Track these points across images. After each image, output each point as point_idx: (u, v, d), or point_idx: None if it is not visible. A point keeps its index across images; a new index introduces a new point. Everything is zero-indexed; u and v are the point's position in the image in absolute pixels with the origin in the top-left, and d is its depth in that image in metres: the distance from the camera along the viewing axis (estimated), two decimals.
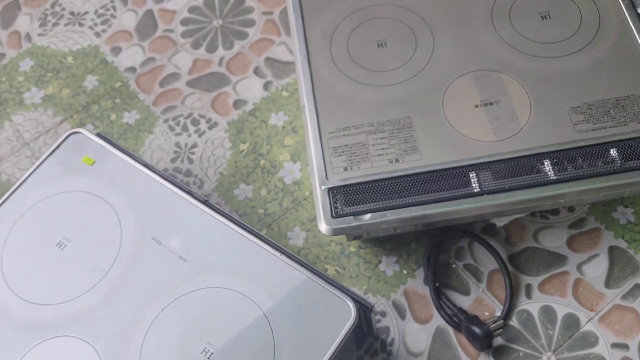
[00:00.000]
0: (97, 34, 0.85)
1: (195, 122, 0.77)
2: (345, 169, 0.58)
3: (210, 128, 0.77)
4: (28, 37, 0.86)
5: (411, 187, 0.57)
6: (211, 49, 0.83)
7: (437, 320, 0.63)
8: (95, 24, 0.86)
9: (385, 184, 0.57)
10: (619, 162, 0.56)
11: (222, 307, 0.53)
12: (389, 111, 0.61)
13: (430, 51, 0.64)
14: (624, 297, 0.63)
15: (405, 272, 0.66)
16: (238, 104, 0.78)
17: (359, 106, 0.61)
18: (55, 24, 0.86)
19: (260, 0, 0.85)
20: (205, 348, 0.51)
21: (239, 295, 0.53)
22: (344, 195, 0.57)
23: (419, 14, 0.66)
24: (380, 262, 0.67)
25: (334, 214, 0.56)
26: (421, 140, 0.59)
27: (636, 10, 0.63)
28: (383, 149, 0.59)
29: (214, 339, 0.51)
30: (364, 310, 0.55)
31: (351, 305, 0.52)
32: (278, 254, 0.55)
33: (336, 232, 0.56)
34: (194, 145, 0.76)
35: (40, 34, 0.86)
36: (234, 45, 0.82)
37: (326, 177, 0.58)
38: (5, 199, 0.60)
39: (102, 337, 0.52)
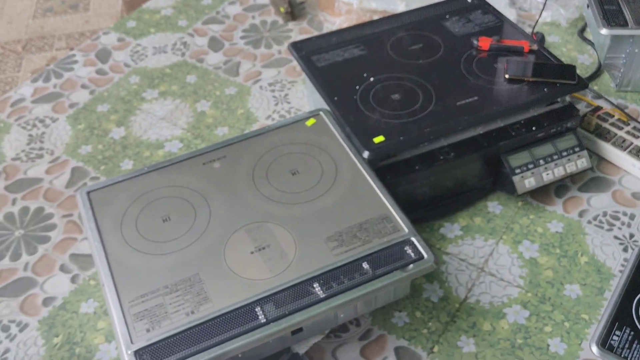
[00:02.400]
0: None
1: (5, 329, 0.80)
2: (148, 330, 0.65)
3: (21, 331, 0.79)
4: None
5: (207, 332, 0.64)
6: (15, 257, 0.87)
7: None
8: None
9: (184, 335, 0.64)
10: (371, 271, 0.69)
11: None
12: (180, 272, 0.70)
13: (208, 217, 0.75)
14: None
15: None
16: (47, 301, 0.82)
17: (153, 274, 0.70)
18: None
19: (59, 206, 0.93)
20: None
21: None
22: (150, 353, 0.63)
23: (194, 190, 0.78)
24: None
25: None
26: (211, 291, 0.68)
27: (362, 156, 0.81)
28: (179, 305, 0.67)
29: None
30: None
31: None
32: None
33: None
34: (7, 351, 0.78)
35: None
36: (37, 250, 0.88)
37: (131, 342, 0.64)
38: None
39: None
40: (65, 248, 0.88)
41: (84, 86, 1.13)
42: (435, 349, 0.76)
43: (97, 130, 1.05)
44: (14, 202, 0.95)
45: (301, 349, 0.75)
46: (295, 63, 1.15)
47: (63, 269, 0.86)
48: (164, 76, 1.14)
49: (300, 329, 0.70)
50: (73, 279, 0.84)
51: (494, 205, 0.91)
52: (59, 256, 0.87)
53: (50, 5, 1.13)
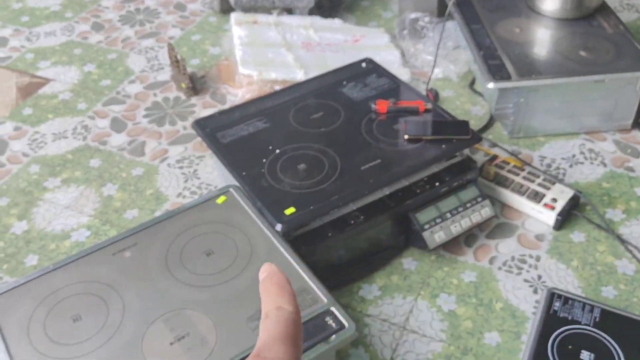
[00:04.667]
0: None
1: None
2: None
3: None
4: None
5: None
6: None
7: None
8: None
9: None
10: None
11: None
12: None
13: (122, 311, 0.73)
14: None
15: None
16: None
17: None
18: None
19: None
20: None
21: None
22: None
23: (105, 283, 0.76)
24: None
25: None
26: None
27: (275, 229, 0.81)
28: None
29: None
30: None
31: None
32: None
33: None
34: None
35: None
36: None
37: None
38: None
39: None
40: None
41: None
42: None
43: None
44: None
45: None
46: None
47: None
48: (65, 162, 1.11)
49: None
50: None
51: (408, 262, 0.93)
52: None
53: None
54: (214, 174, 1.08)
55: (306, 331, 0.70)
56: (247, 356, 0.68)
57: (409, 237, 0.93)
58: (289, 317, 0.38)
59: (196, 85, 1.26)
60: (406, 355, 0.81)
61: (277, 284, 0.40)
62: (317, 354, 0.68)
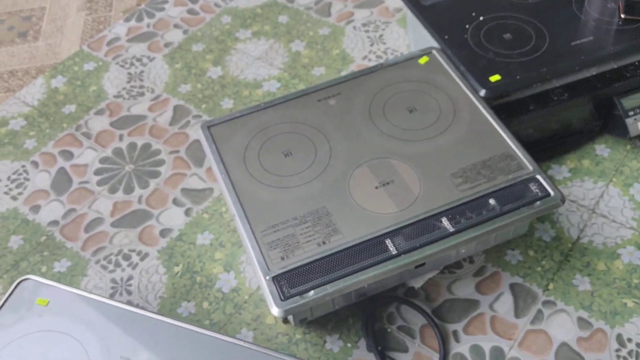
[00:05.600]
0: (14, 198, 0.90)
1: (126, 257, 0.83)
2: (282, 258, 0.67)
3: (142, 259, 0.82)
4: None
5: (341, 262, 0.66)
6: (128, 190, 0.90)
7: None
8: (10, 189, 0.91)
9: (319, 264, 0.66)
10: (498, 208, 0.69)
11: None
12: (307, 205, 0.71)
13: (329, 152, 0.76)
14: (532, 322, 0.74)
15: (349, 345, 0.73)
16: (164, 232, 0.85)
17: (280, 206, 0.71)
18: None
19: (166, 142, 0.95)
20: None
21: None
22: (287, 280, 0.65)
23: (312, 126, 0.79)
24: (325, 342, 0.74)
25: (282, 298, 0.64)
26: (339, 223, 0.69)
27: (479, 94, 0.80)
28: (310, 235, 0.68)
29: None
30: None
31: None
32: (244, 343, 0.61)
33: (287, 312, 0.63)
34: (130, 278, 0.81)
35: None
36: (149, 184, 0.90)
37: (268, 269, 0.66)
38: None
39: None
40: (175, 183, 0.90)
41: (176, 26, 1.14)
42: (551, 286, 0.77)
43: (194, 69, 1.06)
44: (120, 138, 0.97)
45: (417, 283, 0.77)
46: (388, 3, 1.13)
47: (176, 202, 0.88)
48: (255, 16, 1.14)
49: (423, 264, 0.71)
50: (187, 212, 0.87)
51: (601, 149, 0.90)
52: (171, 190, 0.90)
53: None
54: (399, 40, 1.07)
55: (510, 195, 0.70)
56: (450, 209, 0.70)
57: (606, 123, 0.89)
58: None
59: None
60: (594, 237, 0.80)
61: None
62: (520, 217, 0.69)
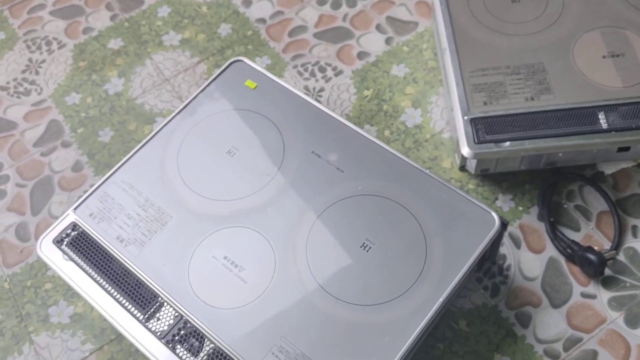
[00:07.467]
0: None
1: (322, 69, 0.85)
2: (485, 104, 0.65)
3: (336, 75, 0.84)
4: None
5: (546, 122, 0.63)
6: (335, 6, 0.90)
7: (550, 252, 0.70)
8: None
9: (522, 118, 0.64)
10: None
11: (378, 211, 0.60)
12: (523, 57, 0.68)
13: (560, 8, 0.70)
14: None
15: (520, 208, 0.72)
16: (361, 55, 0.85)
17: (495, 51, 0.68)
18: None
19: None
20: (364, 243, 0.58)
21: (392, 202, 0.60)
22: (485, 125, 0.64)
23: None
24: (497, 199, 0.73)
25: (476, 140, 0.63)
26: (553, 83, 0.66)
27: None
28: (519, 88, 0.66)
29: (372, 237, 0.58)
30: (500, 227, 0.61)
31: (495, 216, 0.59)
32: (427, 170, 0.62)
33: (477, 156, 0.63)
34: (322, 89, 0.83)
35: None
36: (356, 4, 0.90)
37: (468, 109, 0.65)
38: (177, 113, 0.68)
39: (273, 230, 0.60)
40: (382, 9, 0.89)
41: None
42: None
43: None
44: None
45: (609, 169, 0.73)
46: None
47: (379, 28, 0.87)
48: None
49: (628, 148, 0.67)
50: (387, 41, 0.86)
51: None
52: (376, 16, 0.89)
53: None
54: None
55: None
56: None
57: None
58: None
59: None
60: None
61: None
62: None
